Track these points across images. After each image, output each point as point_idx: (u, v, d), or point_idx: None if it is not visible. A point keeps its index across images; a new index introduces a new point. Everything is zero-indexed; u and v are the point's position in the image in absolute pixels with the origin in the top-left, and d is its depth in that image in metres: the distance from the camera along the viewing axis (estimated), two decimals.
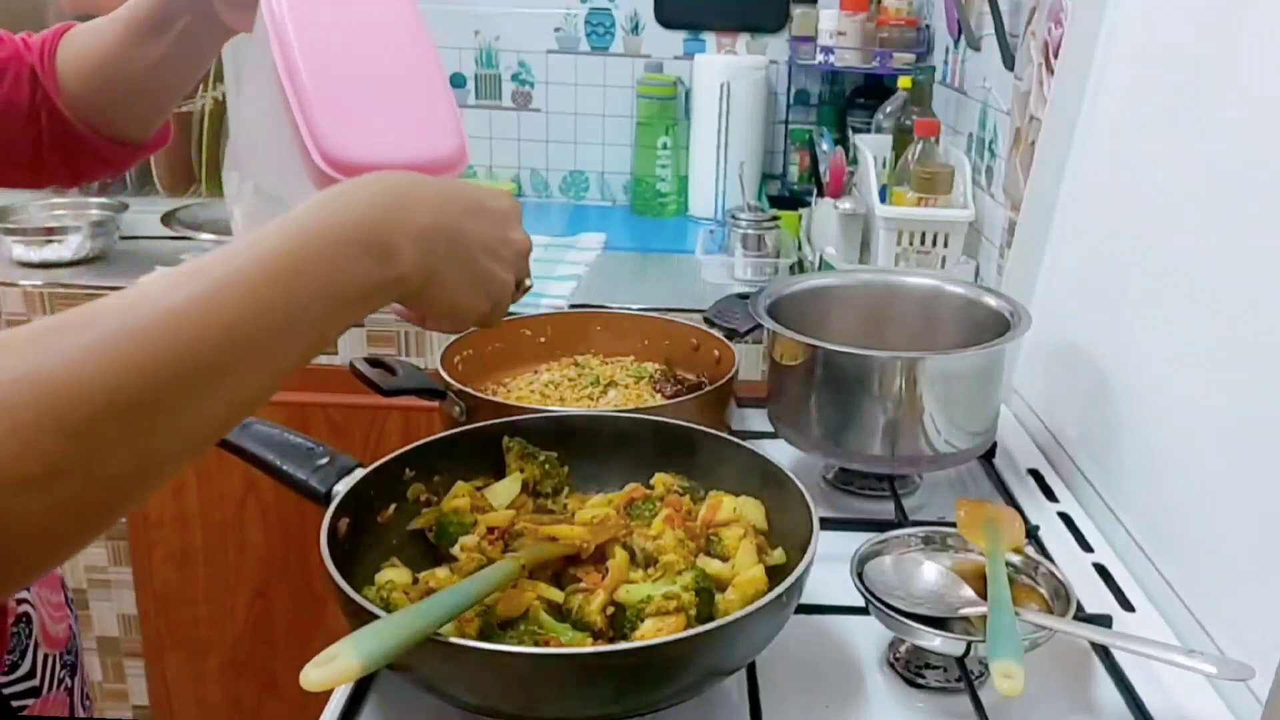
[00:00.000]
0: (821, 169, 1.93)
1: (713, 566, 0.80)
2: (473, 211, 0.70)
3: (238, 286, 0.54)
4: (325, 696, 0.80)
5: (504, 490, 0.90)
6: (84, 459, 0.48)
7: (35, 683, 0.88)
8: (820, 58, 2.10)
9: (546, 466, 0.92)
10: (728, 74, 2.21)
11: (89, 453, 0.48)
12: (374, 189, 0.64)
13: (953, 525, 0.91)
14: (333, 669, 0.61)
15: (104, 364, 0.49)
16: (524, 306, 1.70)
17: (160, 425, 0.51)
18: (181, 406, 0.52)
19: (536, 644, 0.73)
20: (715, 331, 1.24)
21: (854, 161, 1.81)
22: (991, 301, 1.15)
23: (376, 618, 0.67)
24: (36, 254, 1.86)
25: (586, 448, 0.94)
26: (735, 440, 0.93)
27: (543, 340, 1.30)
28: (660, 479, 0.91)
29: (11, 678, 0.85)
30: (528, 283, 0.78)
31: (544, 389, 1.21)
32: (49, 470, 0.46)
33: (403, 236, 0.63)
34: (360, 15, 0.83)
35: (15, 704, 0.85)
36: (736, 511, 0.86)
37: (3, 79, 0.93)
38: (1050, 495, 1.14)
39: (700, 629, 0.69)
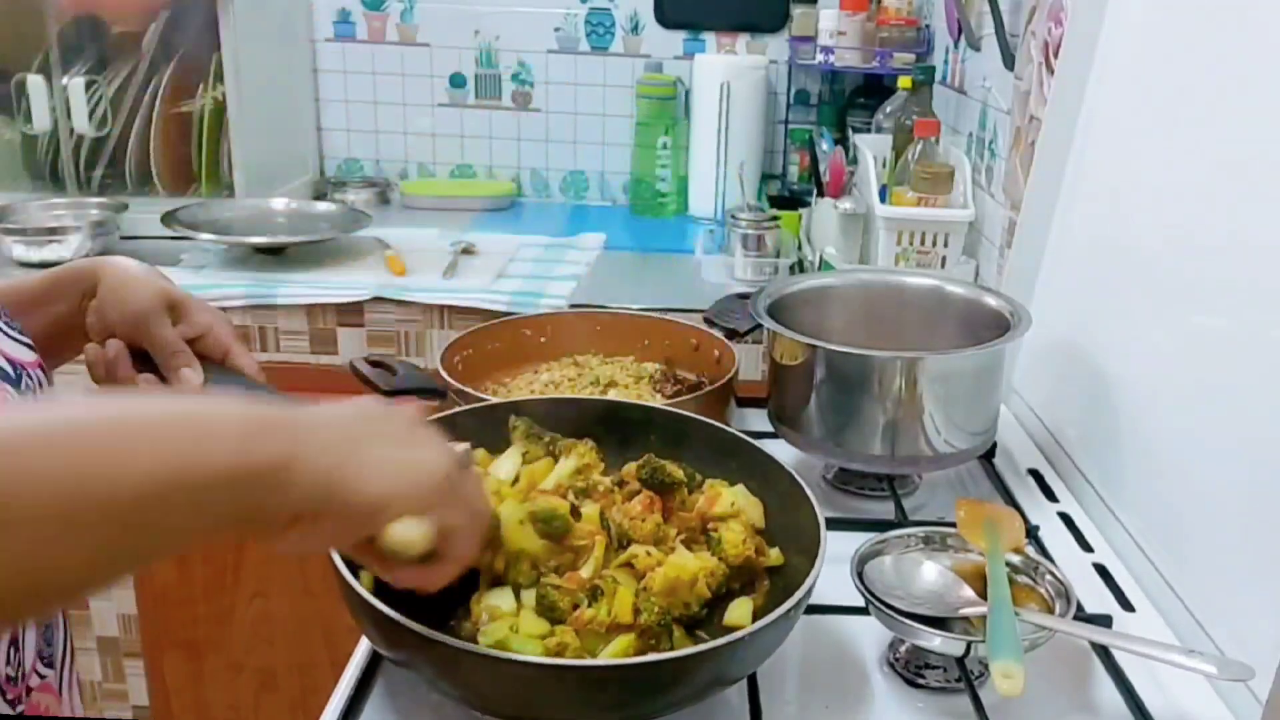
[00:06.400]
0: (821, 169, 1.92)
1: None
2: (356, 409, 0.62)
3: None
4: (325, 697, 0.80)
5: (506, 463, 0.88)
6: None
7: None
8: (820, 58, 2.10)
9: (550, 446, 0.91)
10: (728, 74, 2.21)
11: None
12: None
13: (953, 525, 0.91)
14: None
15: None
16: (524, 307, 1.71)
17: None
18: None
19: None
20: (715, 331, 1.24)
21: (854, 161, 1.80)
22: (991, 301, 1.14)
23: (378, 611, 0.67)
24: (36, 254, 1.86)
25: (588, 434, 0.93)
26: (739, 433, 0.93)
27: (543, 340, 1.30)
28: (649, 459, 0.90)
29: None
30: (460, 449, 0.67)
31: (544, 389, 1.21)
32: None
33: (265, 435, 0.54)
34: None
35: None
36: (735, 505, 0.86)
37: None
38: (1050, 495, 1.14)
39: (707, 645, 0.68)
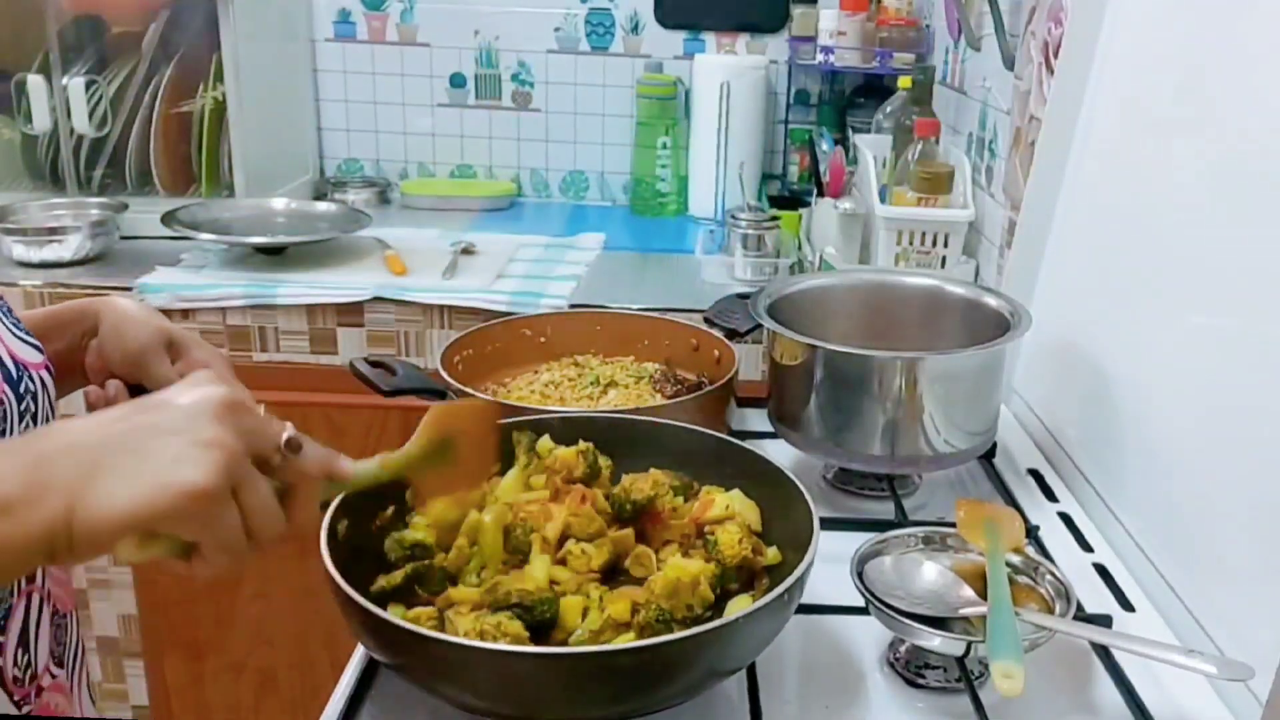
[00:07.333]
0: (821, 169, 1.92)
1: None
2: (115, 416, 0.59)
3: None
4: (325, 697, 0.80)
5: (511, 482, 0.90)
6: None
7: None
8: (820, 58, 2.10)
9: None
10: (728, 74, 2.21)
11: None
12: None
13: (953, 525, 0.91)
14: None
15: None
16: (524, 307, 1.71)
17: None
18: None
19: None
20: (715, 331, 1.24)
21: (854, 161, 1.80)
22: (991, 301, 1.15)
23: (376, 617, 0.67)
24: (36, 254, 1.86)
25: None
26: (733, 440, 0.93)
27: (543, 340, 1.30)
28: (654, 474, 0.90)
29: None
30: (283, 433, 0.62)
31: (544, 389, 1.21)
32: None
33: (12, 478, 0.55)
34: None
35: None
36: (730, 509, 0.86)
37: None
38: (1050, 495, 1.14)
39: (700, 629, 0.69)
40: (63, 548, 0.55)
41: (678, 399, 1.13)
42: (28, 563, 0.57)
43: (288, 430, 0.62)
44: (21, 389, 0.77)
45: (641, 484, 0.88)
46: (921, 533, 0.90)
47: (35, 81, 2.02)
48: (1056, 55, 1.29)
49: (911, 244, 1.56)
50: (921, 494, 1.14)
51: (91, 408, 0.85)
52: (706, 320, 1.25)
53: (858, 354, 1.04)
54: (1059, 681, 0.84)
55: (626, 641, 0.73)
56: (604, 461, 0.91)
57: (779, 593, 0.71)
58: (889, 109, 1.84)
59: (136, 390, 0.84)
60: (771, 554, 0.84)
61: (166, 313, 1.77)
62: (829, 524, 0.84)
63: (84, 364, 0.87)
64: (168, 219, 1.91)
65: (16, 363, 0.77)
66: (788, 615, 0.75)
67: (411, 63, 2.41)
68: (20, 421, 0.76)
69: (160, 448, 0.56)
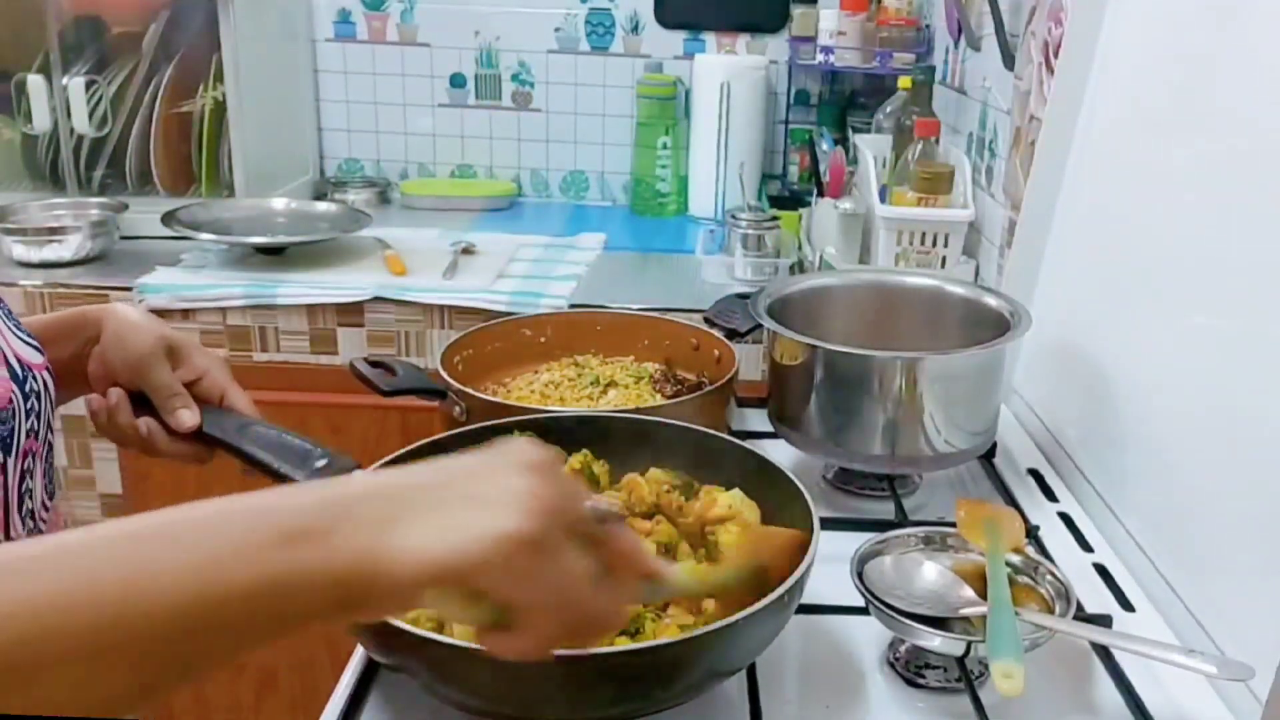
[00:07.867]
0: (821, 169, 1.93)
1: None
2: (427, 467, 0.54)
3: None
4: (325, 697, 0.80)
5: None
6: None
7: None
8: (820, 58, 2.10)
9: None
10: (728, 74, 2.21)
11: None
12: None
13: (953, 525, 0.91)
14: None
15: None
16: (524, 307, 1.71)
17: None
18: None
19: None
20: (715, 331, 1.24)
21: (854, 161, 1.80)
22: (991, 301, 1.15)
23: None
24: (36, 254, 1.86)
25: (586, 446, 0.94)
26: (733, 440, 0.93)
27: (543, 340, 1.30)
28: (653, 474, 0.90)
29: None
30: (602, 504, 0.54)
31: (544, 389, 1.21)
32: None
33: (311, 508, 0.50)
34: None
35: None
36: (732, 508, 0.86)
37: None
38: (1050, 495, 1.14)
39: (701, 630, 0.69)
40: (359, 592, 0.49)
41: (678, 399, 1.13)
42: (317, 606, 0.49)
43: (609, 502, 0.56)
44: (27, 388, 0.77)
45: (642, 490, 0.87)
46: (921, 533, 0.90)
47: (35, 81, 2.02)
48: (1056, 55, 1.29)
49: (911, 244, 1.56)
50: (921, 494, 1.14)
51: (94, 415, 0.86)
52: (706, 320, 1.25)
53: (858, 354, 1.04)
54: (1059, 681, 0.84)
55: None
56: (599, 467, 0.91)
57: (779, 593, 0.71)
58: (889, 109, 1.84)
59: (138, 398, 0.85)
60: None
61: (166, 313, 1.79)
62: (829, 524, 0.84)
63: (86, 372, 0.87)
64: (168, 219, 1.91)
65: (21, 363, 0.77)
66: (788, 616, 0.75)
67: (412, 63, 2.42)
68: (26, 420, 0.76)
69: (476, 491, 0.51)
